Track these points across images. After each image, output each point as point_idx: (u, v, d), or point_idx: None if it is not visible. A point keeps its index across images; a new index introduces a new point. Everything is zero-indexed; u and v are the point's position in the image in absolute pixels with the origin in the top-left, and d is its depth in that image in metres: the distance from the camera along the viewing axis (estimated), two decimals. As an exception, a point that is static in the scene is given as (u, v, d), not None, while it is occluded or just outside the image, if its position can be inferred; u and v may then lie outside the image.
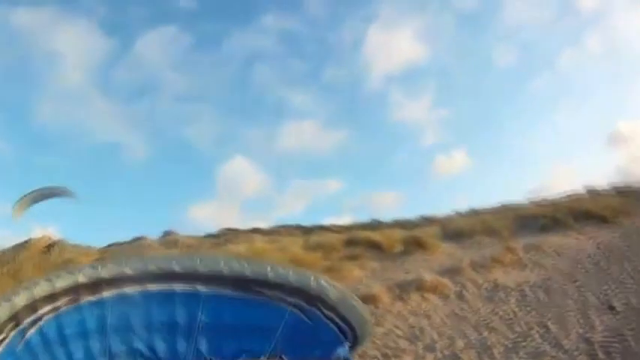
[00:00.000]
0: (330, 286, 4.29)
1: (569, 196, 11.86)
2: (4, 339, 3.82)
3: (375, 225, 12.76)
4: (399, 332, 6.54)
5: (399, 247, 10.26)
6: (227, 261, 4.37)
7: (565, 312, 6.35)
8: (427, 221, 12.56)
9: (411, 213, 10.22)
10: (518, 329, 6.16)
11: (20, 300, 3.90)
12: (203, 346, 4.25)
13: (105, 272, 4.16)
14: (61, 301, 4.03)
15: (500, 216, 11.36)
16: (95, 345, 4.11)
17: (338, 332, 4.27)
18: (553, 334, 5.83)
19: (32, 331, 3.93)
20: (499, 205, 12.06)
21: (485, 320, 6.58)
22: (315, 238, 11.35)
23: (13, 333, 3.86)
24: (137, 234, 13.68)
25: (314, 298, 4.26)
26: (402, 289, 7.71)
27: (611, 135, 9.50)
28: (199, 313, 4.22)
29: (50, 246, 11.25)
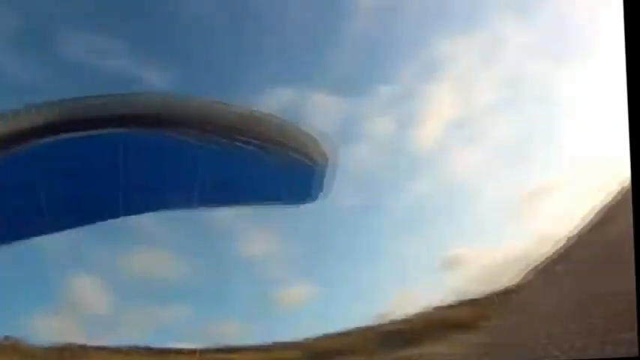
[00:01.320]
0: None
1: (418, 313, 11.76)
2: None
3: (228, 350, 11.89)
4: None
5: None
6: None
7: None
8: (282, 345, 11.95)
9: (260, 341, 9.75)
10: None
11: None
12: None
13: None
14: None
15: (359, 336, 10.99)
16: None
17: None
18: None
19: None
20: (352, 328, 11.84)
21: None
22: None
23: None
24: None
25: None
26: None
27: (446, 260, 9.84)
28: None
29: None
